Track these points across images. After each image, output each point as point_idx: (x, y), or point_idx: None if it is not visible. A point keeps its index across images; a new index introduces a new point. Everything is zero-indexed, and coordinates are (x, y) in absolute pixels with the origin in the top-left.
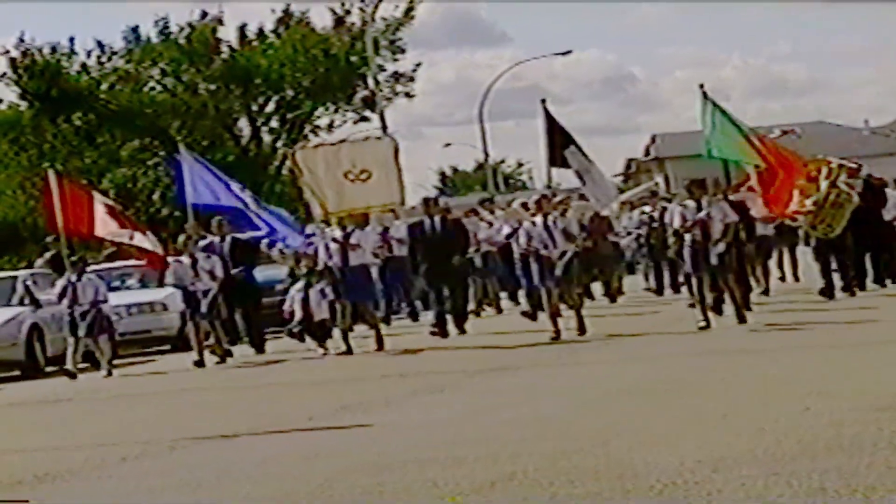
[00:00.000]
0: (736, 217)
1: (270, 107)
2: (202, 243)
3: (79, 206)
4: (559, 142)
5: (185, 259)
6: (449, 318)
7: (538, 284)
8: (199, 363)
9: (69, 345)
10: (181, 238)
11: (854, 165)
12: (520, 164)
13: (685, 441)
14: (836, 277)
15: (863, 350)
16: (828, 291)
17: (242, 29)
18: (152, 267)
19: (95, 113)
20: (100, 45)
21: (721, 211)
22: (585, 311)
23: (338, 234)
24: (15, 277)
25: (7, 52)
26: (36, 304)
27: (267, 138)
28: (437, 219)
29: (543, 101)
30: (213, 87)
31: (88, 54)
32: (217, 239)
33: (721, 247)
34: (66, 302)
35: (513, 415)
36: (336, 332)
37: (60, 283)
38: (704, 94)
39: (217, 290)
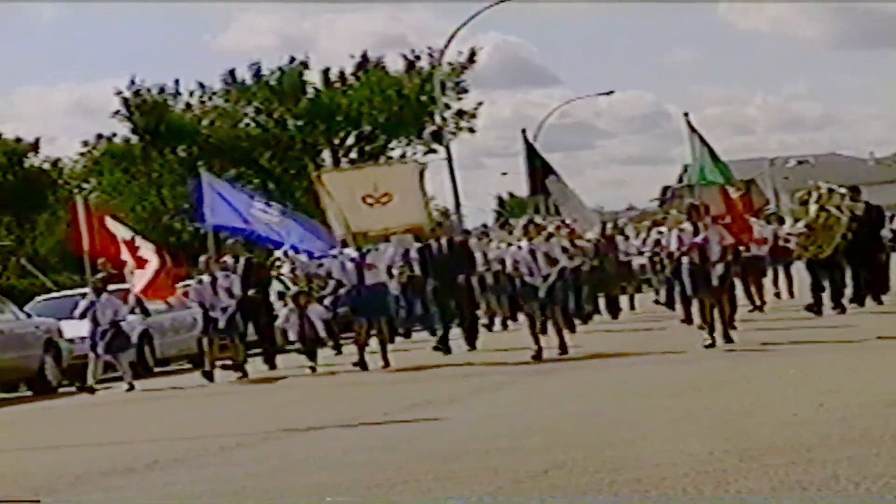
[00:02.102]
0: (732, 240)
1: (350, 140)
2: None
3: (104, 233)
4: (539, 172)
5: (206, 278)
6: (458, 332)
7: (524, 305)
8: (209, 376)
9: (90, 361)
10: (202, 258)
11: (843, 190)
12: None
13: (714, 434)
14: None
15: (870, 353)
16: (816, 307)
17: (326, 72)
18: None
19: (197, 146)
20: (201, 86)
21: (718, 234)
22: (601, 326)
23: (354, 254)
24: (129, 290)
25: (120, 92)
26: (146, 312)
27: (347, 167)
28: (444, 241)
29: (523, 130)
30: (300, 122)
31: (191, 94)
32: (232, 260)
33: (720, 269)
34: (88, 321)
35: (563, 410)
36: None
37: (83, 303)
38: (689, 124)
39: (235, 308)
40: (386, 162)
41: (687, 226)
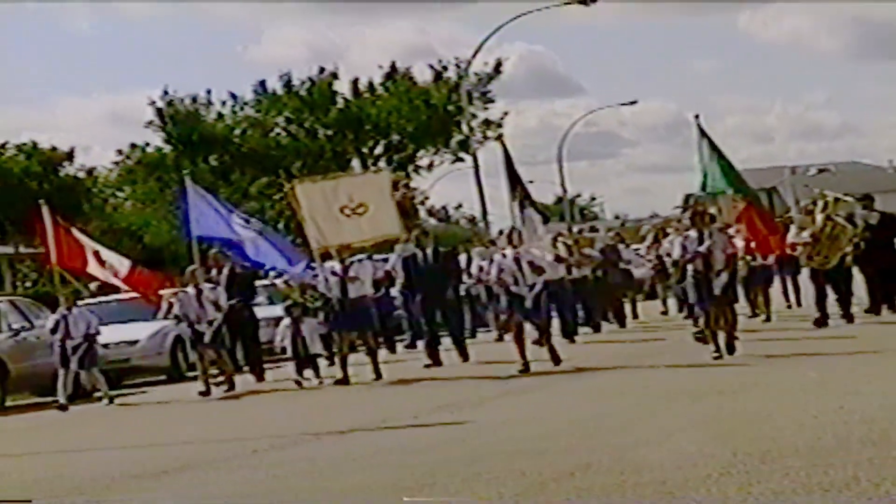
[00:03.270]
0: (737, 248)
1: (379, 149)
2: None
3: (72, 243)
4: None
5: (191, 290)
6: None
7: (509, 315)
8: (205, 393)
9: (59, 377)
10: (188, 270)
11: (851, 199)
12: (592, 198)
13: (736, 436)
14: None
15: (887, 357)
16: (821, 321)
17: (355, 82)
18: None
19: (229, 154)
20: (233, 96)
21: (723, 242)
22: (611, 336)
23: (337, 267)
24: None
25: (154, 102)
26: (178, 318)
27: None
28: (429, 251)
29: (500, 136)
30: (329, 132)
31: (223, 104)
32: (214, 271)
33: (724, 277)
34: (58, 336)
35: (587, 413)
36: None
37: (53, 316)
38: (700, 128)
39: (222, 321)
40: (357, 172)
41: (692, 233)
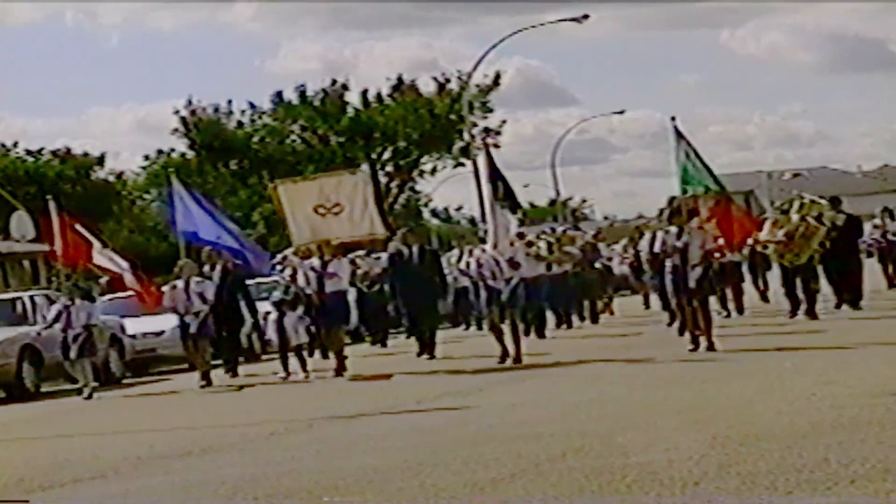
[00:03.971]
0: (714, 244)
1: (386, 155)
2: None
3: (77, 238)
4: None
5: (180, 283)
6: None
7: (485, 309)
8: (207, 384)
9: (67, 367)
10: (178, 263)
11: (823, 202)
12: (584, 201)
13: (717, 421)
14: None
15: (857, 349)
16: (793, 312)
17: (365, 93)
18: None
19: (248, 160)
20: (252, 105)
21: (700, 238)
22: (588, 331)
23: (316, 263)
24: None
25: (178, 111)
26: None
27: (383, 180)
28: (414, 248)
29: (484, 139)
30: (341, 139)
31: (243, 113)
32: (207, 267)
33: (698, 271)
34: (59, 326)
35: (578, 399)
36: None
37: (55, 307)
38: (676, 130)
39: (207, 312)
40: (335, 173)
41: (672, 229)
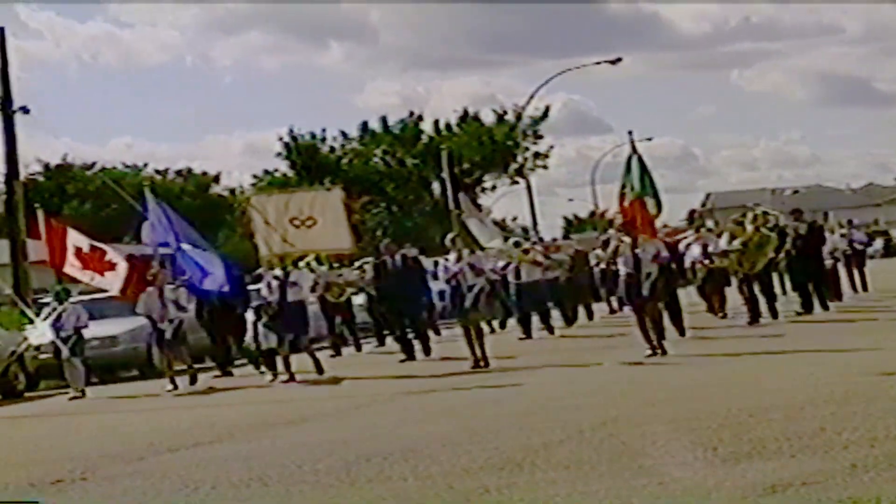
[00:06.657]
0: (668, 255)
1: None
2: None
3: (59, 245)
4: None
5: (154, 290)
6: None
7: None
8: (173, 388)
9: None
10: (152, 270)
11: (776, 213)
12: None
13: (728, 395)
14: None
15: (844, 340)
16: (754, 320)
17: (436, 123)
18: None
19: (339, 178)
20: (343, 134)
21: (655, 247)
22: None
23: (279, 273)
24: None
25: (281, 138)
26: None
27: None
28: (397, 257)
29: (448, 150)
30: (416, 161)
31: (334, 139)
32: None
33: (651, 279)
34: (52, 328)
35: (616, 377)
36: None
37: (47, 311)
38: (632, 144)
39: (181, 320)
40: (311, 188)
41: (626, 239)
